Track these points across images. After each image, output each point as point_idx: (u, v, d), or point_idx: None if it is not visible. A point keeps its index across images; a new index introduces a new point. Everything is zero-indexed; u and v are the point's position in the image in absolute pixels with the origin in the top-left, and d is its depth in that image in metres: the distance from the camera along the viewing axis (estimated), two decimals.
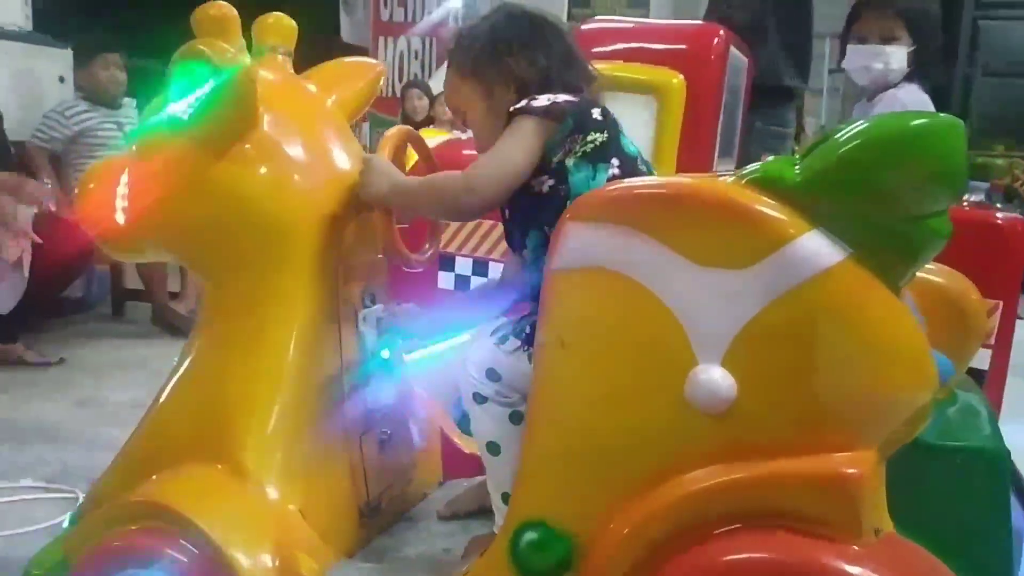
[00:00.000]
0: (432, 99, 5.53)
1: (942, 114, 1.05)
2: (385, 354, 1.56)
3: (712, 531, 1.08)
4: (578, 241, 1.11)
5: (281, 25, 1.59)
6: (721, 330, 1.06)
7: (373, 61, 1.71)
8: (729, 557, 1.07)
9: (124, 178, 1.49)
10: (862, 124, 1.04)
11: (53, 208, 3.68)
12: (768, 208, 1.04)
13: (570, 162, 1.30)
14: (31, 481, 2.36)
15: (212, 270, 1.47)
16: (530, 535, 1.15)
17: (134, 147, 1.49)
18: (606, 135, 1.32)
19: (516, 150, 1.30)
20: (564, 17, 8.16)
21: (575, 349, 1.12)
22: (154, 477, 1.38)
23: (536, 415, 1.16)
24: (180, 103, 1.39)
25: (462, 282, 2.54)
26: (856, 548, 1.04)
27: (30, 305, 3.46)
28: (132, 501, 1.33)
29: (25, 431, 2.76)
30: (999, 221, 2.25)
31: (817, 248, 1.03)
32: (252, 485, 1.34)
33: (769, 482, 1.06)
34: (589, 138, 1.30)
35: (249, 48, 1.53)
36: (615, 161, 1.31)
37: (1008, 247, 2.24)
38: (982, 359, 2.16)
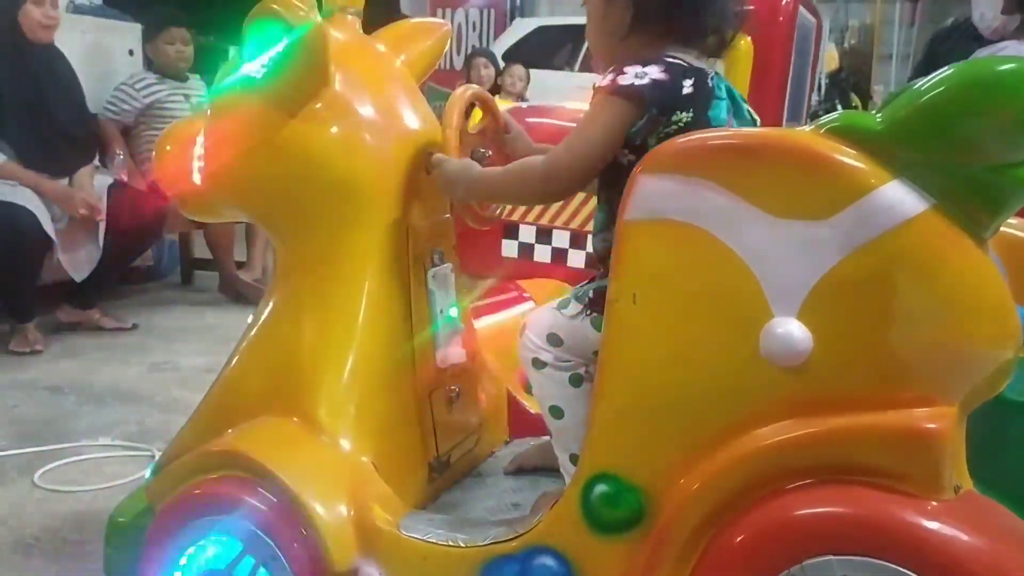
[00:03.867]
0: (498, 68, 5.51)
1: None
2: (453, 312, 1.57)
3: (785, 486, 1.08)
4: (650, 192, 1.10)
5: None
6: (798, 282, 1.05)
7: (439, 21, 1.71)
8: (803, 511, 1.06)
9: (200, 139, 1.53)
10: (945, 71, 1.01)
11: (125, 179, 3.78)
12: (847, 157, 1.02)
13: (652, 142, 1.23)
14: (110, 440, 2.44)
15: (284, 228, 1.50)
16: (601, 487, 1.15)
17: (209, 109, 1.52)
18: (691, 114, 1.23)
19: (597, 135, 1.25)
20: None
21: (647, 303, 1.12)
22: (232, 430, 1.41)
23: (608, 369, 1.16)
24: (254, 62, 1.41)
25: (526, 250, 2.54)
26: (935, 504, 1.03)
27: (105, 273, 3.58)
28: (213, 451, 1.36)
29: (103, 393, 2.86)
30: None
31: (898, 198, 1.01)
32: (326, 437, 1.37)
33: (846, 436, 1.05)
34: (673, 118, 1.23)
35: (320, 10, 1.55)
36: None
37: None
38: None
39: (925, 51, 3.44)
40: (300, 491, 1.26)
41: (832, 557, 1.03)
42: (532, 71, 5.58)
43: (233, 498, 1.29)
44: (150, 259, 4.43)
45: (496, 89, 5.40)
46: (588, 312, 1.29)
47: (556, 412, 1.33)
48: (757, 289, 1.06)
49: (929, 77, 1.01)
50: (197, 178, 1.53)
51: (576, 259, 2.50)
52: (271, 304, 1.51)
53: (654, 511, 1.14)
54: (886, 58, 10.42)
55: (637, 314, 1.12)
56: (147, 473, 1.60)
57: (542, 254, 2.56)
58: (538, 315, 1.36)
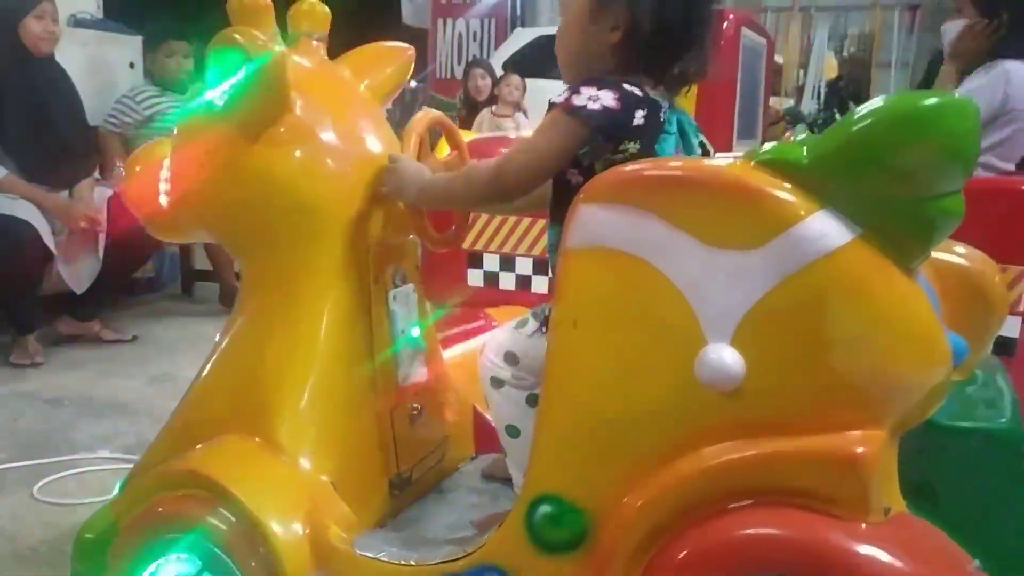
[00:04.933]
0: (495, 79, 5.55)
1: (955, 93, 1.04)
2: (415, 332, 1.60)
3: (724, 506, 1.10)
4: (590, 221, 1.13)
5: (314, 12, 1.63)
6: (730, 310, 1.07)
7: (403, 45, 1.74)
8: (738, 532, 1.08)
9: (167, 162, 1.56)
10: (873, 103, 1.03)
11: None
12: (776, 189, 1.04)
13: (598, 167, 1.26)
14: (109, 452, 2.48)
15: (247, 250, 1.53)
16: (545, 508, 1.18)
17: (175, 132, 1.55)
18: (639, 145, 1.25)
19: (544, 147, 1.27)
20: None
21: (587, 328, 1.15)
22: (197, 447, 1.45)
23: (550, 391, 1.18)
24: (216, 89, 1.44)
25: (491, 278, 2.58)
26: (864, 526, 1.05)
27: (105, 286, 3.62)
28: (175, 469, 1.40)
29: (102, 405, 2.91)
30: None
31: (826, 228, 1.03)
32: (286, 457, 1.40)
33: (778, 460, 1.07)
34: (620, 147, 1.24)
35: (284, 35, 1.58)
36: None
37: None
38: (1012, 327, 2.14)
39: (925, 72, 3.45)
40: (257, 510, 1.30)
41: None
42: (532, 80, 5.60)
43: (193, 516, 1.33)
44: (150, 271, 4.48)
45: (493, 99, 5.43)
46: (543, 330, 1.32)
47: (512, 431, 1.35)
48: (691, 316, 1.09)
49: (857, 110, 1.04)
50: (164, 200, 1.57)
51: (540, 285, 2.53)
52: (236, 322, 1.55)
53: (597, 531, 1.17)
54: (885, 65, 10.39)
55: (578, 338, 1.15)
56: (116, 489, 1.63)
57: (507, 281, 2.60)
58: (496, 335, 1.39)
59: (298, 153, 1.45)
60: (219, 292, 4.46)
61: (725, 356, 1.07)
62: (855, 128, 1.02)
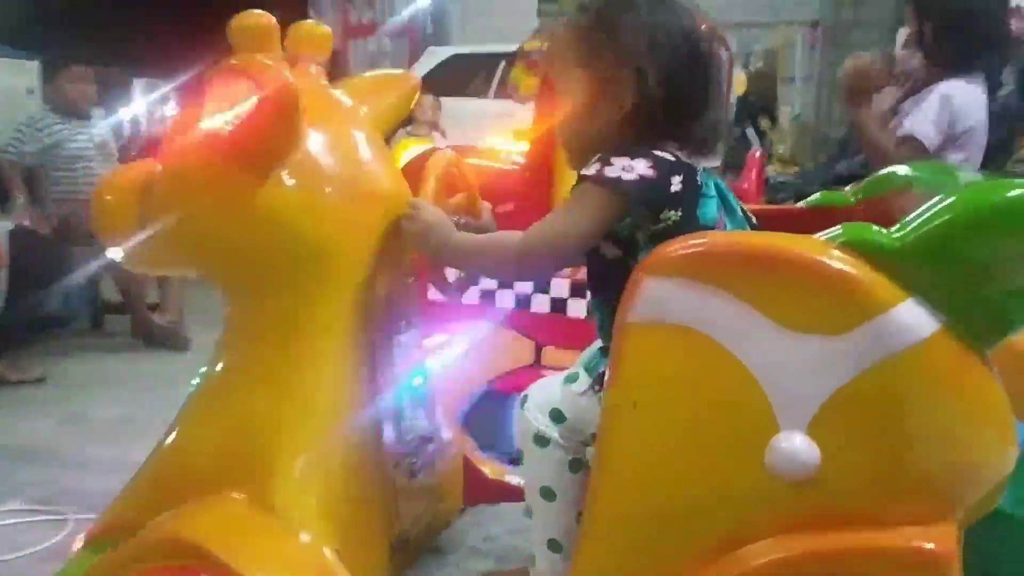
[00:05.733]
0: None
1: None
2: (417, 381, 1.50)
3: None
4: (654, 295, 1.05)
5: (315, 34, 1.51)
6: (808, 397, 1.01)
7: (408, 73, 1.63)
8: None
9: (147, 189, 1.41)
10: (962, 192, 1.00)
11: (28, 223, 3.58)
12: (865, 274, 0.99)
13: (640, 237, 1.19)
14: (20, 504, 2.27)
15: (242, 291, 1.40)
16: None
17: (160, 161, 1.40)
18: (680, 213, 1.18)
19: (578, 222, 1.19)
20: (534, 14, 7.94)
21: (647, 408, 1.07)
22: (181, 508, 1.31)
23: (604, 475, 1.11)
24: (216, 119, 1.31)
25: (487, 297, 2.48)
26: None
27: (8, 322, 3.37)
28: (163, 538, 1.26)
29: (10, 451, 2.68)
30: None
31: (914, 317, 0.98)
32: (283, 521, 1.29)
33: (852, 555, 1.02)
34: (662, 216, 1.17)
35: None
36: None
37: None
38: None
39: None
40: None
41: None
42: (448, 99, 5.51)
43: None
44: (56, 304, 4.18)
45: (408, 120, 5.31)
46: (597, 388, 1.24)
47: (547, 494, 1.27)
48: (764, 401, 1.03)
49: (946, 197, 1.00)
50: (143, 231, 1.42)
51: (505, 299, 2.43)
52: (222, 369, 1.42)
53: None
54: (790, 80, 10.70)
55: (637, 419, 1.08)
56: (77, 544, 1.48)
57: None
58: (543, 388, 1.30)
59: (306, 193, 1.33)
60: (131, 325, 4.23)
61: (799, 445, 1.02)
62: (942, 219, 0.98)
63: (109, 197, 1.46)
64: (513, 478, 1.73)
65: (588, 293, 1.31)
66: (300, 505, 1.30)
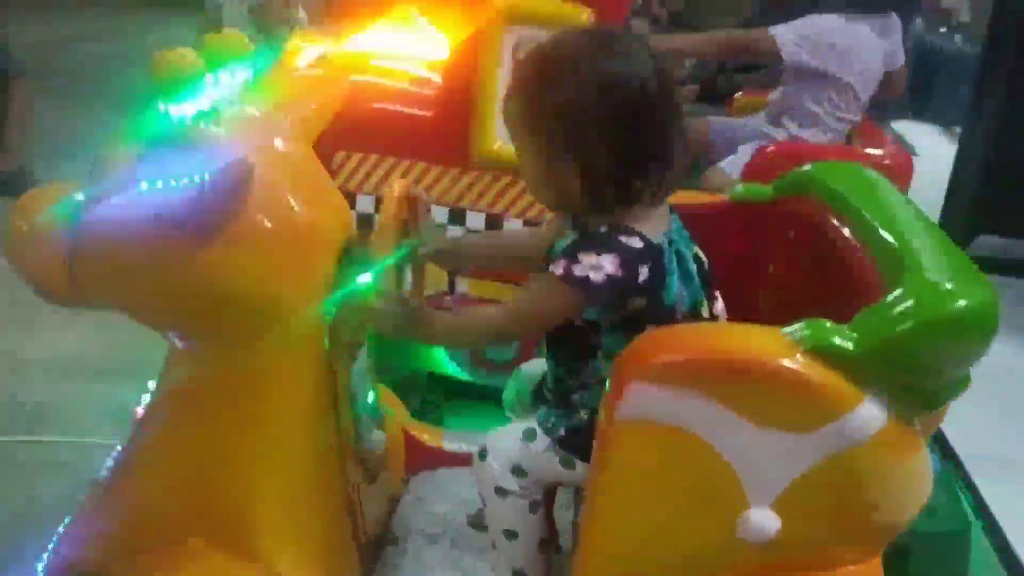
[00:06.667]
0: None
1: (981, 283, 1.13)
2: (370, 397, 1.54)
3: None
4: (640, 398, 1.13)
5: (233, 44, 1.39)
6: (775, 480, 1.15)
7: (331, 76, 1.53)
8: None
9: (75, 227, 1.32)
10: (916, 298, 1.10)
11: None
12: (829, 381, 1.10)
13: (604, 321, 1.26)
14: None
15: (198, 343, 1.37)
16: None
17: (90, 210, 1.30)
18: (645, 300, 1.24)
19: (544, 312, 1.26)
20: None
21: (632, 493, 1.18)
22: (158, 559, 1.35)
23: (589, 551, 1.22)
24: (154, 179, 1.23)
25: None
26: None
27: None
28: None
29: None
30: (887, 161, 2.43)
31: (869, 414, 1.11)
32: (267, 567, 1.35)
33: None
34: (628, 304, 1.24)
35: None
36: (650, 328, 1.24)
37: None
38: None
39: None
40: None
41: None
42: None
43: None
44: None
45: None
46: (557, 449, 1.34)
47: (510, 535, 1.38)
48: (737, 483, 1.15)
49: (896, 303, 1.10)
50: (70, 272, 1.34)
51: None
52: (176, 408, 1.41)
53: None
54: None
55: (624, 500, 1.19)
56: None
57: None
58: (501, 443, 1.38)
59: (257, 249, 1.28)
60: None
61: (765, 518, 1.16)
62: (899, 328, 1.08)
63: (24, 226, 1.36)
64: (450, 443, 1.84)
65: (544, 344, 1.37)
66: (283, 548, 1.36)
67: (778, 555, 1.19)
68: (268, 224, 1.29)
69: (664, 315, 1.27)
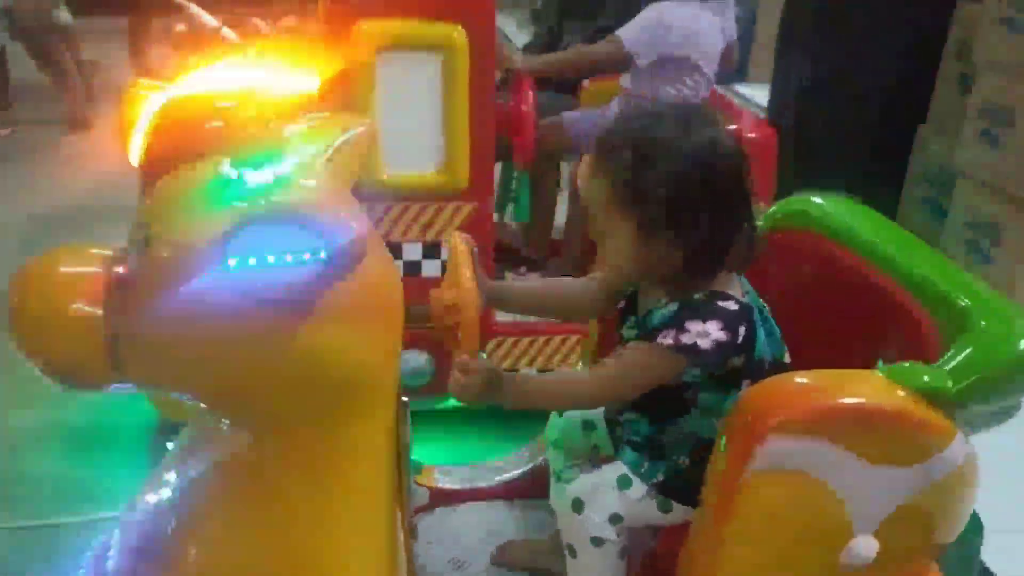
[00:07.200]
0: None
1: None
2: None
3: None
4: (777, 450, 1.20)
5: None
6: (879, 510, 1.26)
7: (365, 119, 1.43)
8: None
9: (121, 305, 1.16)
10: (995, 338, 1.25)
11: None
12: (931, 419, 1.22)
13: (703, 381, 1.31)
14: None
15: (265, 423, 1.25)
16: None
17: (149, 286, 1.14)
18: (743, 358, 1.31)
19: (647, 379, 1.31)
20: None
21: (757, 536, 1.25)
22: None
23: None
24: (252, 259, 1.10)
25: (412, 267, 2.29)
26: None
27: None
28: None
29: None
30: (751, 135, 2.62)
31: (960, 448, 1.25)
32: None
33: None
34: (727, 364, 1.30)
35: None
36: (746, 383, 1.32)
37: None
38: None
39: None
40: None
41: None
42: None
43: None
44: None
45: None
46: (655, 494, 1.37)
47: None
48: (846, 517, 1.25)
49: (981, 342, 1.24)
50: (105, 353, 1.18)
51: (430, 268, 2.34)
52: (240, 487, 1.28)
53: None
54: None
55: (748, 545, 1.25)
56: None
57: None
58: (596, 491, 1.39)
59: (357, 318, 1.20)
60: None
61: (868, 545, 1.27)
62: (988, 369, 1.23)
63: (46, 308, 1.17)
64: (443, 482, 1.81)
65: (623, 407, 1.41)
66: None
67: (868, 571, 1.31)
68: (365, 290, 1.21)
69: (756, 369, 1.34)
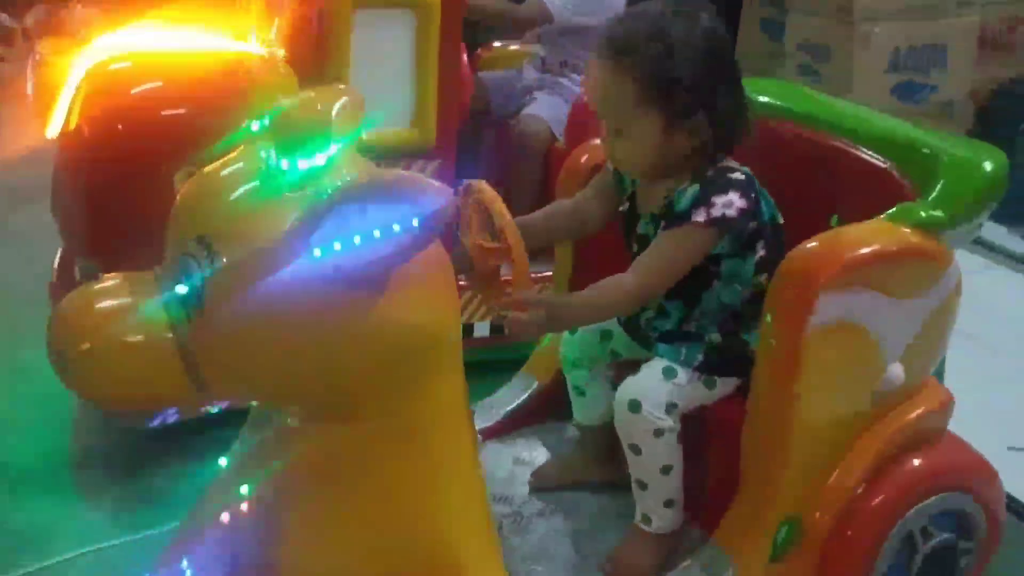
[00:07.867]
0: None
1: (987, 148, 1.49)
2: None
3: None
4: (827, 305, 1.33)
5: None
6: (903, 340, 1.44)
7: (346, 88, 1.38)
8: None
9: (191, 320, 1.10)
10: (966, 171, 1.44)
11: None
12: (934, 247, 1.41)
13: (726, 251, 1.40)
14: None
15: (347, 405, 1.20)
16: (785, 529, 1.43)
17: (222, 293, 1.08)
18: (755, 223, 1.40)
19: (687, 260, 1.37)
20: None
21: (819, 390, 1.38)
22: None
23: (796, 437, 1.40)
24: (333, 240, 1.07)
25: None
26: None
27: None
28: None
29: None
30: None
31: (954, 270, 1.45)
32: None
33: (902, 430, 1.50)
34: (747, 230, 1.40)
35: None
36: (760, 244, 1.42)
37: None
38: None
39: None
40: None
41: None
42: None
43: None
44: None
45: None
46: (700, 376, 1.47)
47: (666, 470, 1.46)
48: (879, 353, 1.42)
49: (956, 177, 1.43)
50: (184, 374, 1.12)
51: None
52: (347, 492, 1.25)
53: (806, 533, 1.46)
54: None
55: (814, 400, 1.38)
56: None
57: None
58: (647, 388, 1.45)
59: (426, 284, 1.19)
60: None
61: (898, 372, 1.44)
62: (971, 196, 1.44)
63: (101, 344, 1.10)
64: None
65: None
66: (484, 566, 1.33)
67: (897, 393, 1.48)
68: (427, 252, 1.20)
69: (765, 231, 1.45)
